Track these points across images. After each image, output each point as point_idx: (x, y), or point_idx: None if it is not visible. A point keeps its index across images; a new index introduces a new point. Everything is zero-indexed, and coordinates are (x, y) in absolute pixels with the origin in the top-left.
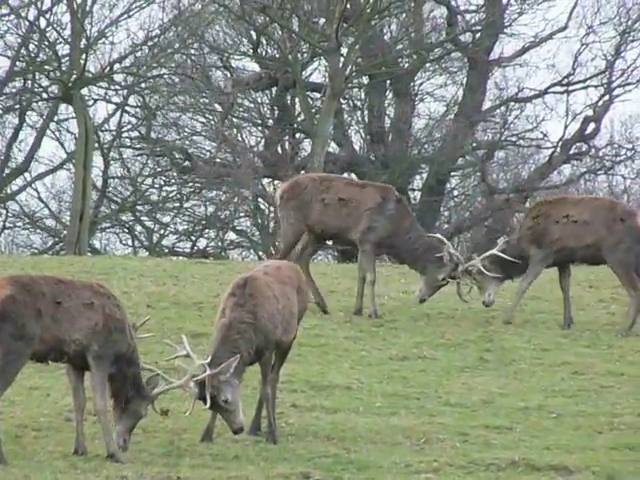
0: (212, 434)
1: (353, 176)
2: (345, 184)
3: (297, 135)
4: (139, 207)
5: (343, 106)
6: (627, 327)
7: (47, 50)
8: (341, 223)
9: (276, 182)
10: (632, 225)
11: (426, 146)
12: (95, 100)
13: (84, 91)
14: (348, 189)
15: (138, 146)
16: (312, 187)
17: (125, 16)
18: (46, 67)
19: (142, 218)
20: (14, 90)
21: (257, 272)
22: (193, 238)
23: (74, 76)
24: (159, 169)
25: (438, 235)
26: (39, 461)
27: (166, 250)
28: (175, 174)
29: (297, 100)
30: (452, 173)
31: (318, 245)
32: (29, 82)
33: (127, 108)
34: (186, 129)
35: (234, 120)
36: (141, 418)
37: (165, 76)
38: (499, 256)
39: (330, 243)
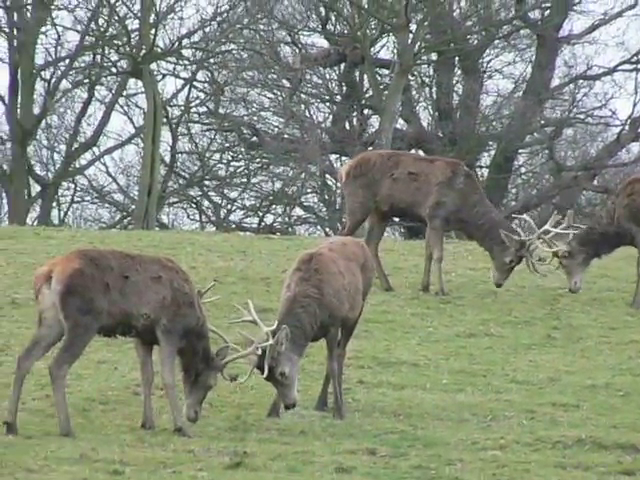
0: (279, 409)
1: (421, 152)
2: (414, 159)
3: (365, 111)
4: (207, 182)
5: (411, 83)
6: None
7: (116, 25)
8: (411, 198)
9: (344, 158)
10: None
11: (494, 123)
12: (164, 75)
13: (153, 66)
14: (417, 164)
15: (206, 121)
16: (380, 163)
17: None
18: (115, 42)
19: (210, 193)
20: (83, 64)
21: (323, 248)
22: (260, 214)
23: (143, 51)
24: (227, 144)
25: (525, 216)
26: (107, 434)
27: (233, 225)
28: (243, 149)
29: (365, 76)
30: (520, 150)
31: (385, 224)
32: (98, 57)
33: (195, 83)
34: (254, 105)
35: (302, 96)
36: (211, 388)
37: (233, 51)
38: (579, 234)
39: (397, 220)
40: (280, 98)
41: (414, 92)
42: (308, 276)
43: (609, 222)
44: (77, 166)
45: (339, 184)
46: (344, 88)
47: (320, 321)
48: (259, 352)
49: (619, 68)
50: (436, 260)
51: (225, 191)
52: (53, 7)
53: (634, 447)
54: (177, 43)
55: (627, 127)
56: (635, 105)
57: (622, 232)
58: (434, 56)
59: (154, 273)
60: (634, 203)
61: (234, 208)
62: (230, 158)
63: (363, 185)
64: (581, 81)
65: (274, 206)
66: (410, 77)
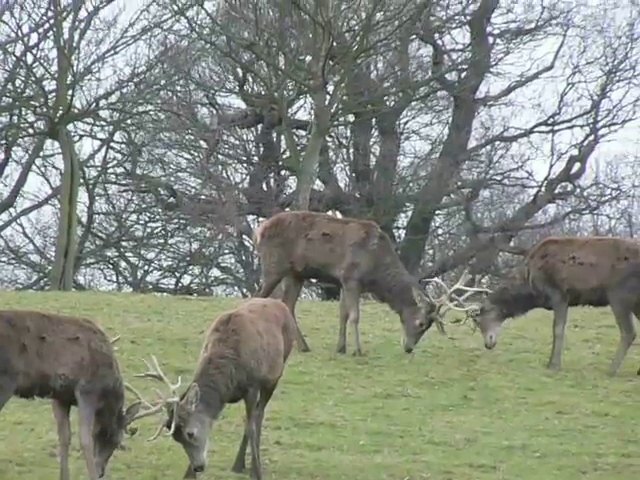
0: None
1: (338, 214)
2: (328, 220)
3: (282, 172)
4: (124, 243)
5: (329, 144)
6: (614, 368)
7: (34, 85)
8: (324, 259)
9: (261, 219)
10: (636, 263)
11: (411, 184)
12: (81, 136)
13: (70, 127)
14: (331, 225)
15: (123, 182)
16: (295, 223)
17: (112, 52)
18: (32, 102)
19: (127, 254)
20: (0, 125)
21: (242, 309)
22: (177, 274)
23: (60, 112)
24: (144, 205)
25: (436, 279)
26: None
27: (150, 286)
28: (160, 210)
29: (283, 137)
30: (437, 212)
31: (301, 285)
32: (15, 117)
33: (113, 144)
34: (171, 165)
35: (219, 157)
36: (117, 446)
37: (151, 112)
38: (493, 294)
39: (313, 281)
40: (197, 159)
41: (331, 153)
42: (225, 337)
43: (522, 283)
44: None
45: (255, 245)
46: (261, 149)
47: (237, 382)
48: (163, 409)
49: (535, 130)
50: (352, 321)
51: (142, 252)
52: None
53: None
54: (94, 104)
55: (543, 189)
56: (551, 167)
57: (536, 294)
58: (351, 117)
59: (71, 334)
60: (547, 265)
61: (151, 269)
62: (147, 219)
63: (278, 245)
64: (498, 142)
65: (191, 267)
66: (327, 138)
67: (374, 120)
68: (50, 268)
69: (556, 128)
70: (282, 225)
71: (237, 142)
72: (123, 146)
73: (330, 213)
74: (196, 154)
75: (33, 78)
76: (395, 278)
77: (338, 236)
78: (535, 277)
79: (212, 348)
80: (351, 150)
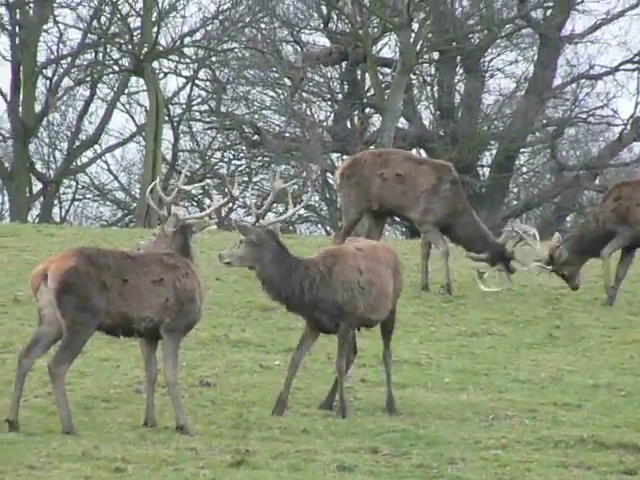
0: (284, 407)
1: (422, 152)
2: (403, 159)
3: (367, 110)
4: (208, 180)
5: (413, 81)
6: None
7: (119, 23)
8: (399, 201)
9: (345, 157)
10: None
11: (496, 122)
12: (166, 73)
13: (155, 64)
14: (405, 165)
15: (208, 120)
16: (371, 161)
17: None
18: (117, 40)
19: (211, 191)
20: (85, 62)
21: (349, 245)
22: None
23: (145, 49)
24: (228, 143)
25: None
26: (109, 432)
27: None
28: (244, 148)
29: (367, 75)
30: (522, 150)
31: (383, 223)
32: (100, 54)
33: (197, 82)
34: (256, 103)
35: (304, 94)
36: None
37: (235, 50)
38: (570, 242)
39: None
40: (282, 97)
41: (416, 91)
42: (324, 258)
43: (597, 226)
44: (79, 164)
45: (336, 185)
46: (346, 87)
47: (315, 298)
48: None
49: (621, 68)
50: (442, 255)
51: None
52: (55, 5)
53: (636, 447)
54: (179, 41)
55: (629, 127)
56: (637, 105)
57: (610, 236)
58: (436, 55)
59: (156, 276)
60: (621, 207)
61: (235, 206)
62: (231, 156)
63: (355, 184)
64: (583, 80)
65: (275, 204)
66: (412, 76)
67: (459, 58)
68: (135, 205)
69: None
70: (359, 164)
71: (321, 80)
72: (208, 84)
73: (414, 152)
74: (280, 92)
75: (118, 15)
76: (466, 225)
77: (411, 178)
78: (608, 219)
79: (310, 259)
80: (435, 88)
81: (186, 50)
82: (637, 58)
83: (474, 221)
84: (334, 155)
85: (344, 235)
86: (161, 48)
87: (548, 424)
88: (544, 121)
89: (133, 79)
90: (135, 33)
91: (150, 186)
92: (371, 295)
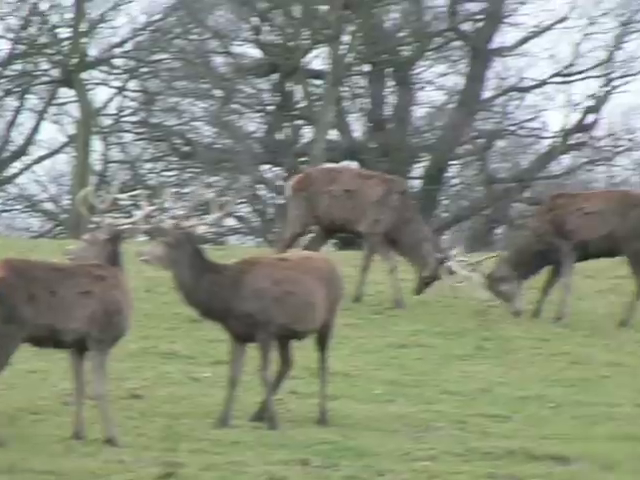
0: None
1: (354, 164)
2: (351, 175)
3: (297, 122)
4: (139, 190)
5: (344, 93)
6: (630, 318)
7: (48, 33)
8: (348, 215)
9: (276, 169)
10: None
11: (426, 135)
12: (95, 84)
13: (84, 75)
14: (353, 180)
15: (138, 130)
16: (321, 178)
17: (127, 0)
18: (47, 50)
19: (141, 203)
20: (14, 73)
21: (273, 255)
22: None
23: (75, 60)
24: (159, 154)
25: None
26: (37, 444)
27: None
28: (175, 159)
29: (298, 87)
30: (452, 162)
31: (329, 238)
32: (30, 65)
33: (127, 92)
34: (186, 114)
35: (234, 106)
36: None
37: (166, 61)
38: (509, 257)
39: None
40: (212, 108)
41: (347, 103)
42: (239, 264)
43: (536, 240)
44: (7, 175)
45: (271, 194)
46: (277, 98)
47: (227, 304)
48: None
49: (550, 80)
50: (389, 271)
51: (156, 201)
52: None
53: (565, 458)
54: (109, 52)
55: (558, 139)
56: (566, 117)
57: (548, 248)
58: (366, 67)
59: (83, 287)
60: (556, 217)
61: (165, 218)
62: (162, 168)
63: (304, 199)
64: (513, 93)
65: (206, 216)
66: (343, 88)
67: (389, 70)
68: (64, 216)
69: (571, 79)
70: (308, 180)
71: (252, 91)
72: (138, 94)
73: (346, 163)
74: (211, 103)
75: (48, 25)
76: (413, 235)
77: (359, 192)
78: (545, 231)
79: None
80: (366, 100)
81: (116, 61)
82: (566, 71)
83: (420, 231)
84: (265, 167)
85: (285, 246)
86: (91, 59)
87: (477, 435)
88: (474, 133)
89: (62, 90)
90: (64, 44)
91: (82, 192)
92: (291, 306)
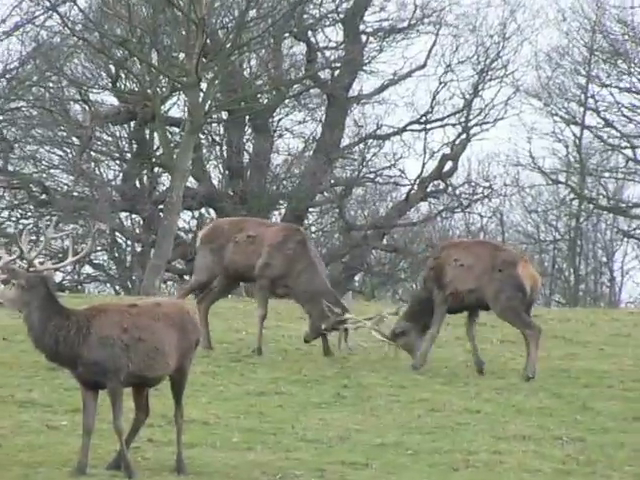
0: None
1: (212, 211)
2: (256, 224)
3: (156, 169)
4: None
5: (202, 141)
6: (532, 367)
7: None
8: (248, 261)
9: (134, 216)
10: (510, 274)
11: (285, 182)
12: None
13: None
14: (257, 228)
15: None
16: (229, 229)
17: None
18: None
19: None
20: None
21: (124, 302)
22: None
23: None
24: (16, 202)
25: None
26: None
27: None
28: (32, 207)
29: (156, 134)
30: (310, 209)
31: (230, 288)
32: None
33: None
34: (44, 162)
35: (92, 154)
36: None
37: (23, 109)
38: (406, 311)
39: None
40: (70, 156)
41: (205, 150)
42: (87, 310)
43: (423, 289)
44: None
45: (129, 242)
46: (134, 146)
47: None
48: None
49: (408, 128)
50: (258, 317)
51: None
52: None
53: None
54: None
55: (416, 187)
56: (424, 165)
57: (430, 295)
58: (225, 115)
59: None
60: (437, 267)
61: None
62: (19, 215)
63: (212, 250)
64: (371, 140)
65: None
66: (201, 135)
67: (247, 118)
68: None
69: (429, 127)
70: (217, 231)
71: (110, 139)
72: None
73: (203, 210)
74: (69, 151)
75: None
76: (308, 285)
77: (259, 238)
78: (427, 278)
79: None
80: (224, 147)
81: None
82: (424, 119)
83: (315, 282)
84: (123, 214)
85: (188, 293)
86: None
87: None
88: (332, 181)
89: None
90: None
91: None
92: (141, 353)
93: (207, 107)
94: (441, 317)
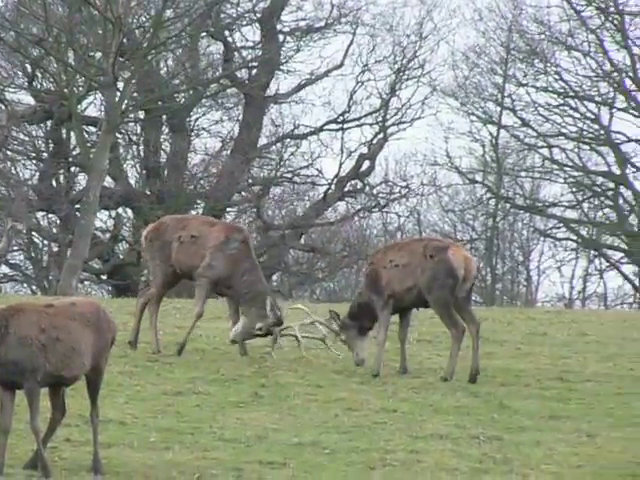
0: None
1: (129, 211)
2: (200, 222)
3: (72, 169)
4: None
5: (119, 140)
6: (451, 369)
7: None
8: (192, 261)
9: (51, 215)
10: (441, 259)
11: (202, 182)
12: None
13: None
14: (200, 227)
15: None
16: (172, 226)
17: None
18: None
19: None
20: None
21: (36, 303)
22: None
23: None
24: None
25: (300, 305)
26: None
27: None
28: None
29: (73, 134)
30: (228, 209)
31: (169, 287)
32: None
33: None
34: None
35: (8, 153)
36: None
37: None
38: (349, 309)
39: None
40: None
41: (122, 150)
42: (4, 310)
43: (361, 293)
44: None
45: (46, 241)
46: (51, 145)
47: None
48: None
49: (325, 128)
50: (195, 315)
51: None
52: None
53: None
54: None
55: (333, 186)
56: (341, 164)
57: (369, 301)
58: (142, 114)
59: None
60: (373, 271)
61: None
62: None
63: (158, 248)
64: (288, 140)
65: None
66: (118, 135)
67: (164, 117)
68: None
69: (346, 126)
70: (161, 228)
71: (26, 138)
72: None
73: (120, 210)
74: None
75: None
76: (250, 285)
77: (202, 238)
78: (365, 285)
79: None
80: (141, 147)
81: None
82: (341, 118)
83: (256, 283)
84: (40, 214)
85: (156, 299)
86: None
87: None
88: (250, 180)
89: None
90: None
91: None
92: (58, 352)
93: (124, 106)
94: (386, 322)
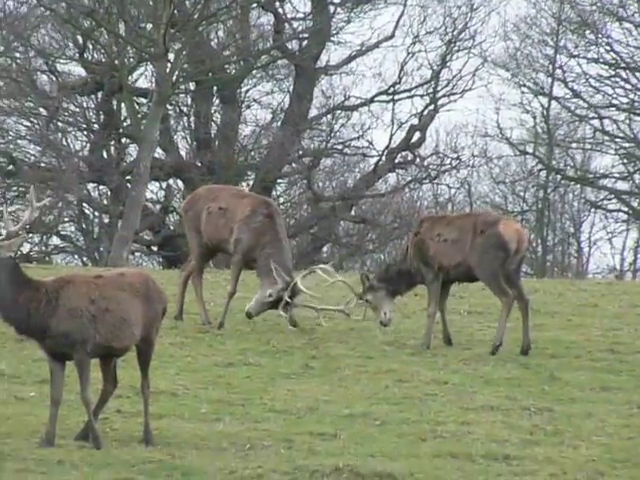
0: (51, 445)
1: (179, 182)
2: (229, 194)
3: (123, 140)
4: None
5: (170, 112)
6: (500, 334)
7: None
8: (220, 234)
9: (101, 187)
10: (492, 233)
11: (253, 153)
12: None
13: None
14: (229, 199)
15: None
16: (204, 197)
17: None
18: None
19: None
20: None
21: (88, 274)
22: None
23: None
24: None
25: (322, 265)
26: None
27: None
28: None
29: (123, 105)
30: (278, 180)
31: (209, 259)
32: None
33: None
34: (10, 133)
35: (59, 124)
36: None
37: None
38: (379, 271)
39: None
40: (37, 126)
41: (172, 121)
42: (54, 282)
43: (403, 260)
44: None
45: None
46: (102, 117)
47: (43, 323)
48: None
49: (376, 99)
50: (229, 294)
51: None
52: None
53: (391, 476)
54: None
55: (384, 158)
56: (392, 136)
57: (414, 271)
58: (192, 85)
59: None
60: (419, 242)
61: None
62: None
63: (191, 219)
64: (339, 112)
65: (31, 235)
66: (168, 106)
67: (215, 88)
68: None
69: (396, 97)
70: (194, 199)
71: (77, 109)
72: None
73: (171, 182)
74: (36, 121)
75: None
76: (268, 257)
77: (230, 211)
78: (411, 254)
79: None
80: (192, 118)
81: None
82: (391, 89)
83: (276, 254)
84: (90, 185)
85: (196, 270)
86: None
87: (304, 454)
88: (300, 152)
89: None
90: None
91: None
92: (108, 323)
93: (175, 78)
94: (436, 294)
